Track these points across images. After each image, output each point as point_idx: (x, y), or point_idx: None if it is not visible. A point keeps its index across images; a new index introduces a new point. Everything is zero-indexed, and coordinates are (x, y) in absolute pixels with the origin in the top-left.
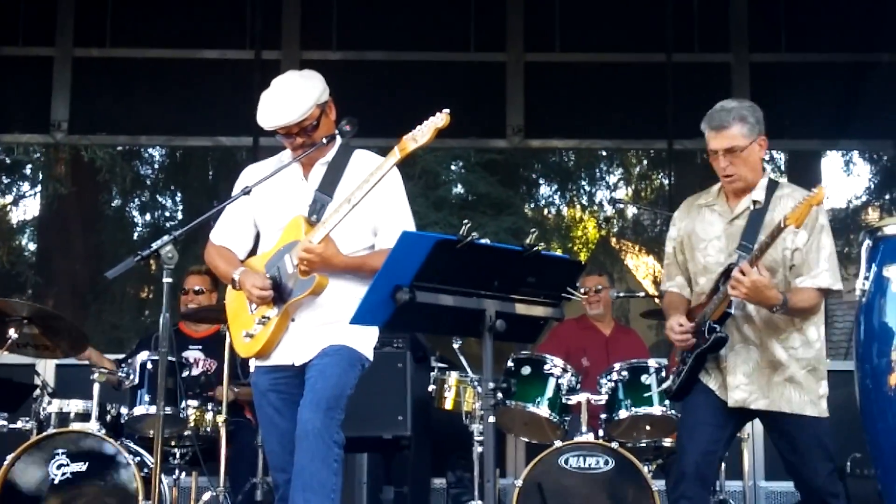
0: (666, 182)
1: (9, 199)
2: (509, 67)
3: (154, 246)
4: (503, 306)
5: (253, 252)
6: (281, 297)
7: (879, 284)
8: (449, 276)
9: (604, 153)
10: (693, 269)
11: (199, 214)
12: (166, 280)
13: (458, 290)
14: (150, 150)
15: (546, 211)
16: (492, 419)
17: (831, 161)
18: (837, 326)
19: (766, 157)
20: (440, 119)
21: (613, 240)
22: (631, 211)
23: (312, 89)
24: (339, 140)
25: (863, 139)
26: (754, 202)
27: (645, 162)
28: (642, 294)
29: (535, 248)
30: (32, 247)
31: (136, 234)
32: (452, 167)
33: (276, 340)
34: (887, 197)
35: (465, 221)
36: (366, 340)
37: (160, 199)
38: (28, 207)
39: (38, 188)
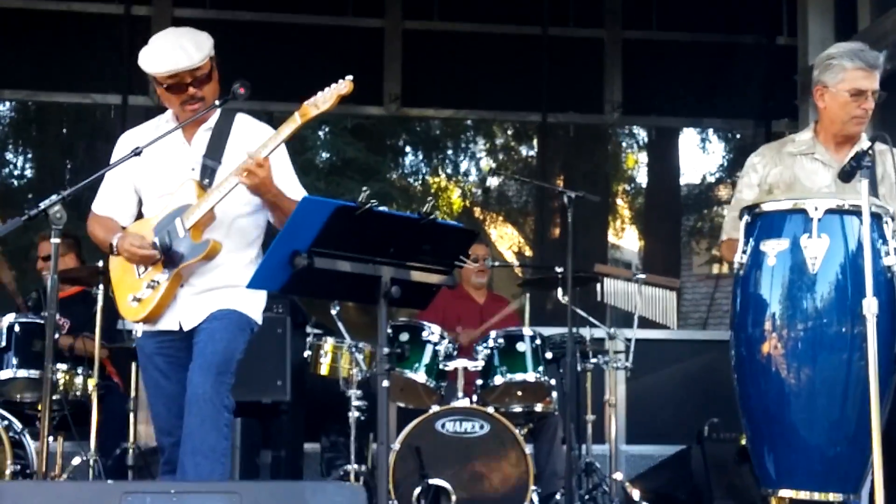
0: (533, 153)
1: None
2: (387, 34)
3: (42, 205)
4: (398, 273)
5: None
6: (171, 261)
7: (756, 258)
8: (346, 242)
9: (469, 122)
10: None
11: (52, 173)
12: (55, 240)
13: (355, 257)
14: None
15: (412, 179)
16: (386, 383)
17: (688, 138)
18: (686, 298)
19: (626, 133)
20: (343, 86)
21: (477, 210)
22: (493, 182)
23: (206, 39)
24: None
25: (725, 118)
26: (865, 150)
27: (510, 132)
28: (517, 264)
29: (432, 217)
30: None
31: None
32: (320, 132)
33: (164, 305)
34: (739, 174)
35: (364, 189)
36: (255, 304)
37: (7, 156)
38: None
39: None
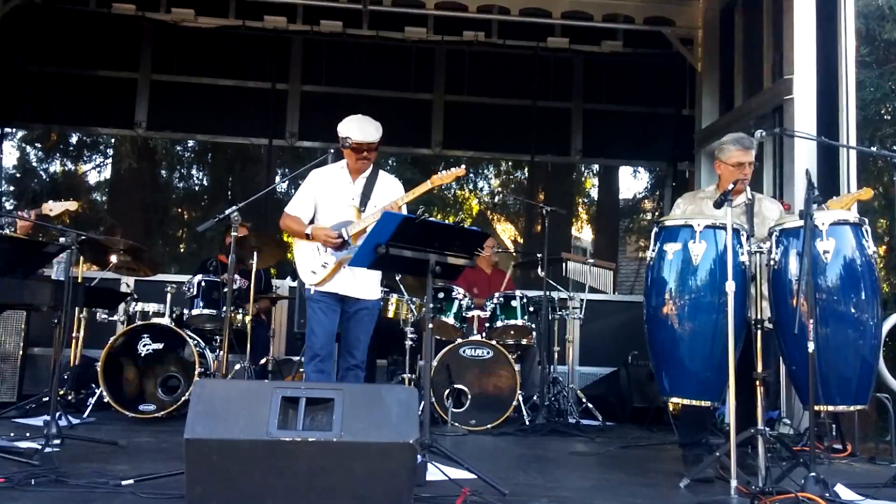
0: (524, 178)
1: (89, 166)
2: (434, 104)
3: (227, 211)
4: (440, 258)
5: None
6: (340, 249)
7: (660, 254)
8: (408, 238)
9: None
10: None
11: (220, 186)
12: (234, 234)
13: (414, 247)
14: (189, 142)
15: (446, 192)
16: (430, 325)
17: (625, 170)
18: (622, 272)
19: (585, 168)
20: (460, 171)
21: (489, 212)
22: (498, 195)
23: (379, 126)
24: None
25: (648, 160)
26: (749, 198)
27: (510, 163)
28: (514, 251)
29: (461, 224)
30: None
31: (174, 197)
32: (390, 161)
33: (331, 277)
34: (658, 192)
35: (421, 208)
36: (379, 286)
37: (193, 173)
38: (102, 173)
39: (109, 160)
